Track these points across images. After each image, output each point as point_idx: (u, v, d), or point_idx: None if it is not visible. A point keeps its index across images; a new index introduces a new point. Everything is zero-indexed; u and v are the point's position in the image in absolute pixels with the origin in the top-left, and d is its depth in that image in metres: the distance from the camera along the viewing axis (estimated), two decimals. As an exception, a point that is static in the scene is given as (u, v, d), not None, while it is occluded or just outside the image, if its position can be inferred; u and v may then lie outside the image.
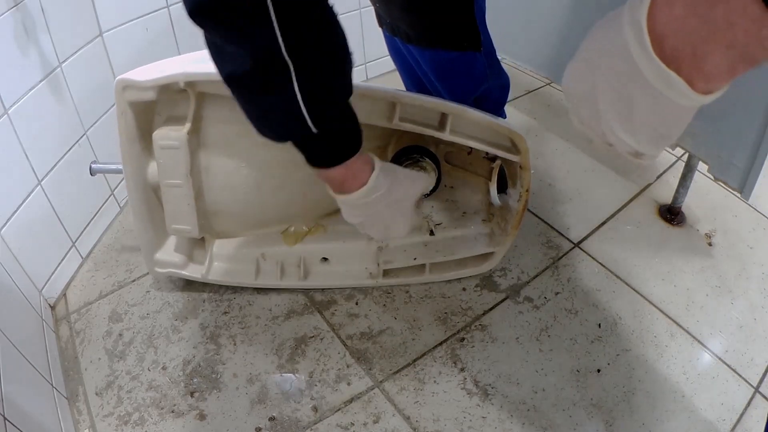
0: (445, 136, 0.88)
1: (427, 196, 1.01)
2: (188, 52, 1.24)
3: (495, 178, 0.99)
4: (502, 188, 1.02)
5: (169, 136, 0.87)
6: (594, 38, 0.41)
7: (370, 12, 1.02)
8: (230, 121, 0.91)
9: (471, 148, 0.93)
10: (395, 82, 1.10)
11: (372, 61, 1.63)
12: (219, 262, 1.04)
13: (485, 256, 1.06)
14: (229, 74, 0.57)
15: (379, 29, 1.01)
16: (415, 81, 1.05)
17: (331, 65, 0.58)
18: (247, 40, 0.52)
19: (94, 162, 1.04)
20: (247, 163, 0.94)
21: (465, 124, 0.89)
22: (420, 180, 0.84)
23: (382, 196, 0.73)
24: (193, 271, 1.04)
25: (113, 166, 1.03)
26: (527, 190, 0.95)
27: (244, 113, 0.62)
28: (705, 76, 0.35)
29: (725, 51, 0.33)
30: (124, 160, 0.91)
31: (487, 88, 1.01)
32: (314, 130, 0.60)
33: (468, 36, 0.90)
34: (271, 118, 0.61)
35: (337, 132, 0.65)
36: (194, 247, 1.05)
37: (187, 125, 0.87)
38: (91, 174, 1.03)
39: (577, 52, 0.43)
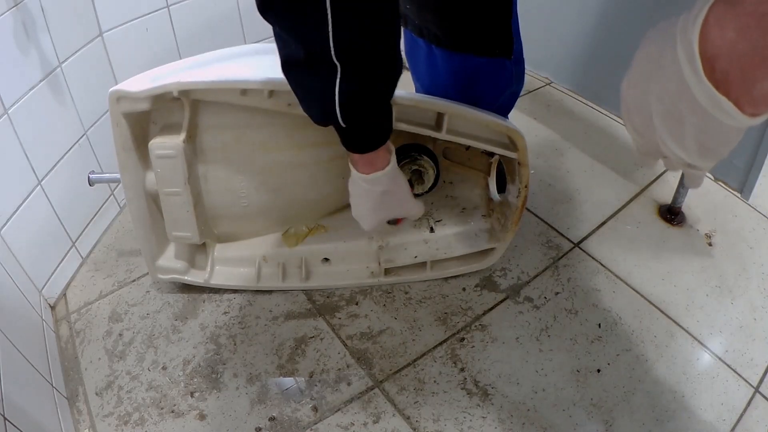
0: (442, 135, 0.88)
1: (418, 196, 1.02)
2: (188, 52, 1.25)
3: (494, 173, 0.99)
4: (501, 187, 1.02)
5: (165, 145, 0.87)
6: (647, 51, 0.42)
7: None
8: (226, 127, 0.91)
9: None
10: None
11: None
12: (220, 266, 1.05)
13: (486, 252, 1.06)
14: (285, 59, 0.64)
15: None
16: (428, 88, 1.03)
17: (377, 73, 0.64)
18: (301, 36, 0.59)
19: (92, 172, 1.03)
20: (245, 168, 0.94)
21: (462, 123, 0.89)
22: (414, 206, 0.89)
23: (376, 192, 0.81)
24: (196, 277, 1.04)
25: (111, 176, 1.02)
26: (526, 186, 0.95)
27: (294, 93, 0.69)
28: (753, 101, 0.35)
29: None
30: (121, 169, 0.91)
31: None
32: (342, 124, 0.67)
33: (501, 42, 0.89)
34: (311, 104, 0.69)
35: (365, 128, 0.72)
36: (195, 253, 1.05)
37: (183, 134, 0.87)
38: (89, 184, 1.02)
39: (632, 62, 0.44)
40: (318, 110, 0.69)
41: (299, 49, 0.60)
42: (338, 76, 0.61)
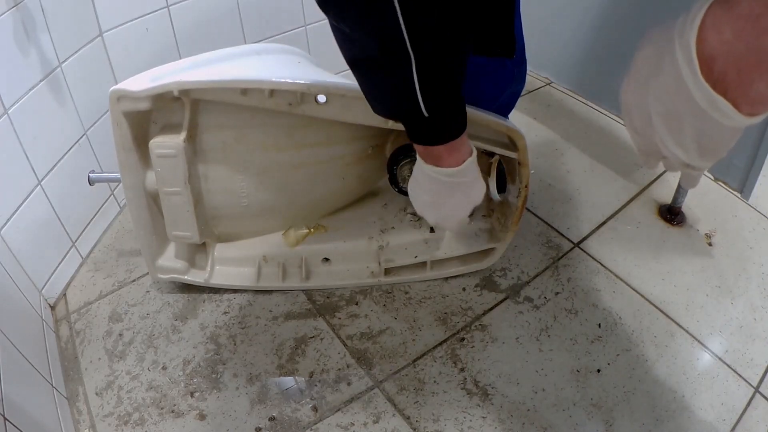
0: None
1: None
2: (188, 51, 1.24)
3: (494, 173, 0.99)
4: (501, 187, 1.02)
5: (166, 144, 0.87)
6: (646, 52, 0.42)
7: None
8: (226, 127, 0.91)
9: None
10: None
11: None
12: (221, 266, 1.05)
13: (486, 252, 1.06)
14: (353, 58, 0.61)
15: None
16: None
17: (451, 56, 0.61)
18: (373, 30, 0.55)
19: (92, 171, 1.03)
20: (245, 167, 0.94)
21: None
22: (484, 188, 0.83)
23: (465, 183, 0.76)
24: (196, 276, 1.04)
25: (112, 175, 1.02)
26: (526, 186, 0.95)
27: (361, 90, 0.67)
28: (750, 101, 0.36)
29: None
30: (121, 169, 0.91)
31: None
32: (425, 113, 0.63)
33: (503, 42, 0.89)
34: (386, 98, 0.66)
35: (446, 115, 0.67)
36: (195, 252, 1.05)
37: (183, 133, 0.87)
38: (90, 183, 1.03)
39: (631, 63, 0.44)
40: (393, 103, 0.66)
41: (368, 44, 0.57)
42: (413, 65, 0.58)
